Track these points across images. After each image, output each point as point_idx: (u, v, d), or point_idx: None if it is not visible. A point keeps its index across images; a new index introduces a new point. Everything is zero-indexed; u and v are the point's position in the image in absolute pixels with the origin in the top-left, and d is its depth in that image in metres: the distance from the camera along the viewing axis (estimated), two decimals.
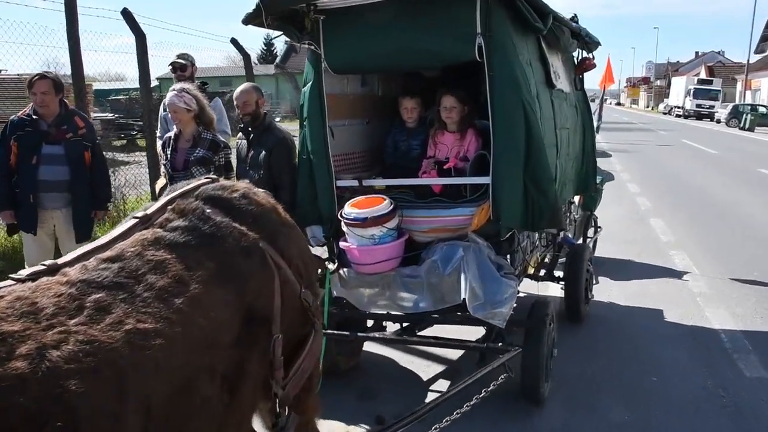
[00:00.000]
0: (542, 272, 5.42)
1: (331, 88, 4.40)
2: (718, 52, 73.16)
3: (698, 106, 45.96)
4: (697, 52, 76.54)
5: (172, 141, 5.13)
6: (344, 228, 3.83)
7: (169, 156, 5.10)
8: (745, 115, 35.74)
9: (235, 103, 4.70)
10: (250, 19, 3.86)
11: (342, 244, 3.90)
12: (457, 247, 3.65)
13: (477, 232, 3.72)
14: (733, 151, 22.37)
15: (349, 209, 3.80)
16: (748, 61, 44.89)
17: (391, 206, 3.75)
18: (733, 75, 53.29)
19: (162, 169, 5.18)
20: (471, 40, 3.56)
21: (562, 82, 4.72)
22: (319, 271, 3.99)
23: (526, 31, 3.85)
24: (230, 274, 1.74)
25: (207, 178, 2.04)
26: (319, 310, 2.26)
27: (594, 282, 6.43)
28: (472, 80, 5.10)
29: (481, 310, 3.51)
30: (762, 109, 36.98)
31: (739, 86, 48.82)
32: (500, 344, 3.56)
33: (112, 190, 8.91)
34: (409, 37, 3.73)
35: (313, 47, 3.95)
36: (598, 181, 7.32)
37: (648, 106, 75.48)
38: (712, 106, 44.77)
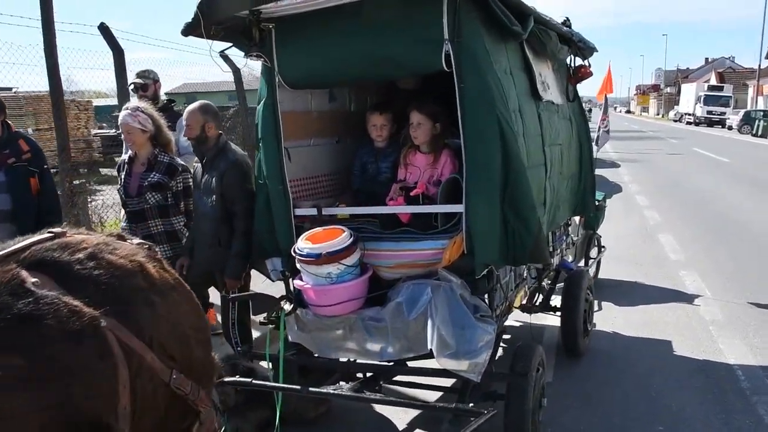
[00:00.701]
0: (538, 300, 4.91)
1: (292, 105, 3.94)
2: (728, 58, 72.32)
3: (709, 112, 45.21)
4: (706, 59, 75.72)
5: (125, 164, 4.68)
6: (298, 265, 3.33)
7: (122, 181, 4.65)
8: (757, 121, 34.95)
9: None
10: (189, 30, 3.40)
11: (297, 282, 3.41)
12: (424, 287, 3.14)
13: (450, 268, 3.22)
14: (746, 159, 21.69)
15: (303, 243, 3.31)
16: (759, 66, 44.12)
17: (350, 239, 3.26)
18: (744, 81, 52.51)
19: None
20: (437, 48, 3.07)
21: (551, 93, 4.21)
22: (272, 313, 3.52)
23: (504, 37, 3.36)
24: (46, 372, 1.26)
25: (50, 232, 1.55)
26: (207, 395, 1.76)
27: (596, 309, 5.91)
28: (452, 93, 4.64)
29: (453, 361, 3.00)
30: None
31: (750, 92, 48.04)
32: (471, 405, 3.03)
33: (89, 213, 8.56)
34: (369, 44, 3.26)
35: (263, 60, 3.48)
36: (599, 197, 6.81)
37: (658, 114, 74.72)
38: (723, 113, 44.00)
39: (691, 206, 12.12)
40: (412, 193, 3.35)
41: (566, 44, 4.33)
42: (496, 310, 3.37)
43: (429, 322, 3.02)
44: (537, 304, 4.98)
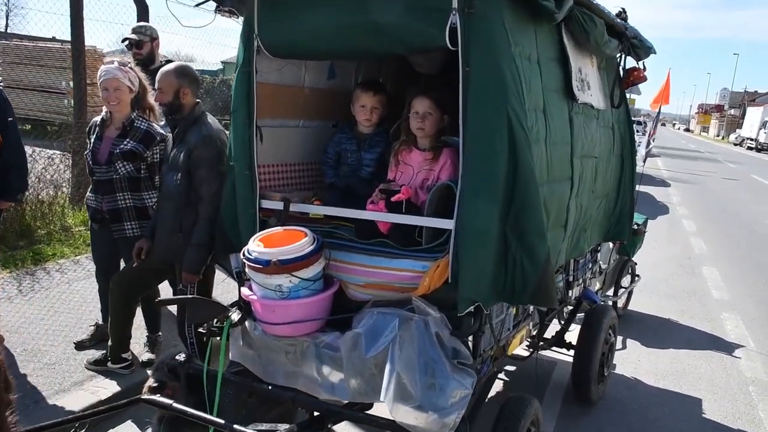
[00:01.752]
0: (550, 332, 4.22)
1: (279, 77, 3.32)
2: None
3: None
4: None
5: (97, 127, 4.15)
6: (246, 270, 2.73)
7: (91, 145, 4.13)
8: None
9: None
10: None
11: (244, 291, 2.81)
12: (391, 318, 2.50)
13: (429, 298, 2.56)
14: None
15: (254, 245, 2.70)
16: None
17: (311, 246, 2.63)
18: None
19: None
20: (441, 18, 2.40)
21: (591, 95, 3.48)
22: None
23: (534, 15, 2.66)
24: None
25: None
26: None
27: (618, 347, 5.17)
28: None
29: (413, 414, 2.35)
30: None
31: None
32: None
33: None
34: (362, 11, 2.61)
35: (234, 17, 2.87)
36: (639, 221, 6.02)
37: (718, 135, 71.68)
38: None
39: (742, 239, 11.08)
40: (393, 199, 2.69)
41: (616, 38, 3.58)
42: (482, 354, 2.70)
43: (388, 365, 2.37)
44: (548, 337, 4.30)
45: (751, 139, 47.28)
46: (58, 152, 7.92)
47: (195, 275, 3.50)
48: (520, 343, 3.44)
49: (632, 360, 5.25)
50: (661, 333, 5.99)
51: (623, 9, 3.90)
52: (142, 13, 8.08)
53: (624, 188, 4.38)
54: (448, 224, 2.54)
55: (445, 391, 2.36)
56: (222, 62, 26.44)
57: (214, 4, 2.90)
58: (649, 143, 7.47)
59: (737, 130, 57.80)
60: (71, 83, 15.30)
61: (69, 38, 8.00)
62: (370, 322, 2.51)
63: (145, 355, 4.28)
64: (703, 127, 79.63)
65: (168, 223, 3.59)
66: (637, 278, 6.45)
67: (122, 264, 4.21)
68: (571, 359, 4.33)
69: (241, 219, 3.13)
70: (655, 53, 4.27)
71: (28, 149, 7.77)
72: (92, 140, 4.13)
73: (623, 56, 3.89)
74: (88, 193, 4.22)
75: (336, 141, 3.40)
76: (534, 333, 3.71)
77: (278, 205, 3.05)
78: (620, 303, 6.23)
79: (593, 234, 4.01)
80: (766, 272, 8.62)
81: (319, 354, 2.66)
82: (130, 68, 4.02)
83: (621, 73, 4.13)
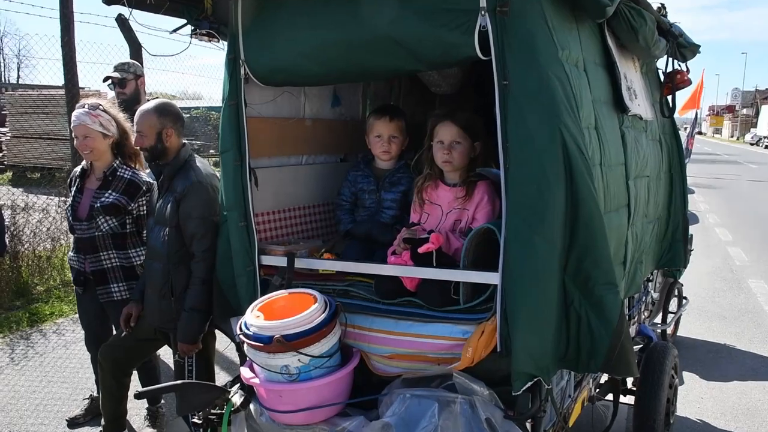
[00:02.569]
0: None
1: (273, 109, 2.86)
2: None
3: None
4: None
5: (77, 179, 3.70)
6: (245, 349, 2.22)
7: (71, 199, 3.67)
8: None
9: None
10: None
11: (244, 372, 2.29)
12: (429, 404, 1.97)
13: (473, 371, 2.04)
14: None
15: (253, 317, 2.19)
16: None
17: (323, 314, 2.12)
18: None
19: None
20: (468, 22, 1.92)
21: (639, 104, 2.97)
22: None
23: (576, 12, 2.17)
24: None
25: None
26: None
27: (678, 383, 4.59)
28: None
29: None
30: None
31: None
32: None
33: None
34: (368, 23, 2.14)
35: (215, 41, 2.40)
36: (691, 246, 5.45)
37: (732, 136, 70.64)
38: None
39: None
40: (420, 250, 2.17)
41: (665, 38, 3.07)
42: None
43: None
44: (602, 382, 3.73)
45: None
46: (55, 199, 7.55)
47: (192, 345, 3.00)
48: (582, 408, 2.88)
49: (695, 398, 4.64)
50: (720, 362, 5.37)
51: (663, 4, 3.41)
52: (135, 51, 7.74)
53: (675, 208, 3.85)
54: (492, 278, 2.02)
55: None
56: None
57: (189, 29, 2.43)
58: (688, 152, 6.91)
59: (752, 130, 56.83)
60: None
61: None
62: (402, 409, 1.98)
63: (146, 430, 3.77)
64: (716, 129, 78.63)
65: (157, 286, 3.09)
66: (685, 301, 5.85)
67: (114, 330, 3.73)
68: (627, 401, 3.75)
69: (239, 279, 2.64)
70: (700, 53, 3.76)
71: (32, 199, 7.48)
72: (72, 193, 3.67)
73: (668, 58, 3.38)
74: (70, 253, 3.75)
75: (351, 180, 2.91)
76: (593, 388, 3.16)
77: (281, 261, 2.55)
78: (669, 330, 5.64)
79: (647, 264, 3.47)
80: None
81: None
82: (102, 111, 3.56)
83: (662, 76, 3.64)
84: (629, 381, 3.78)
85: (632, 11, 2.49)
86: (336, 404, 2.16)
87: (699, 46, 3.62)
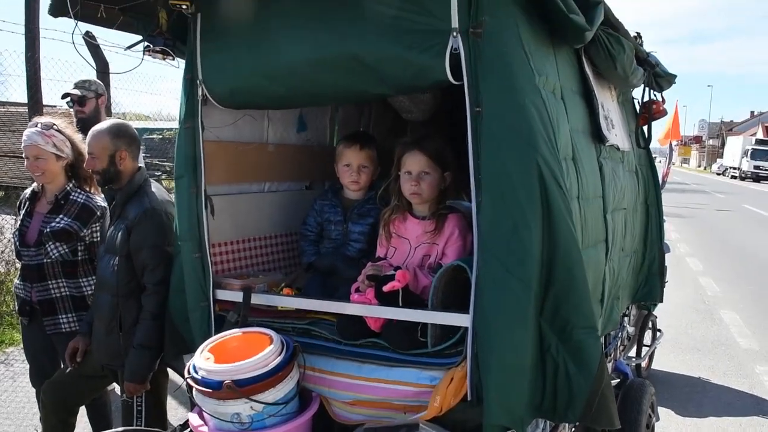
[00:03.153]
0: None
1: (233, 133, 2.70)
2: None
3: (756, 167, 42.99)
4: (752, 112, 73.23)
5: (27, 201, 3.47)
6: (194, 395, 2.02)
7: (20, 223, 3.43)
8: None
9: None
10: (57, 7, 2.19)
11: (191, 418, 2.09)
12: None
13: (442, 420, 1.86)
14: None
15: (202, 359, 2.00)
16: None
17: (278, 357, 1.94)
18: None
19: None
20: (437, 43, 1.79)
21: (617, 134, 2.88)
22: None
23: (553, 36, 2.06)
24: None
25: None
26: None
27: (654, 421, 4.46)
28: None
29: None
30: None
31: None
32: None
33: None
34: (328, 41, 2.00)
35: (171, 58, 2.24)
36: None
37: (699, 166, 72.34)
38: None
39: (754, 275, 10.47)
40: (386, 288, 2.00)
41: (642, 66, 3.00)
42: None
43: None
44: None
45: (735, 168, 47.49)
46: (11, 220, 7.23)
47: (140, 384, 2.78)
48: None
49: None
50: (695, 397, 5.26)
51: (639, 33, 3.34)
52: (103, 68, 7.53)
53: (651, 241, 3.76)
54: (463, 320, 1.87)
55: None
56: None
57: (142, 46, 2.27)
58: (663, 183, 6.89)
59: (718, 160, 58.24)
60: None
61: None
62: None
63: None
64: (684, 159, 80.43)
65: (105, 319, 2.87)
66: (659, 334, 5.76)
67: (63, 364, 3.47)
68: None
69: (192, 315, 2.45)
70: (675, 83, 3.71)
71: None
72: (21, 217, 3.44)
73: (645, 88, 3.30)
74: (15, 281, 3.51)
75: (317, 209, 2.75)
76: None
77: (238, 296, 2.37)
78: (643, 363, 5.53)
79: (624, 299, 3.35)
80: None
81: None
82: (57, 131, 3.36)
83: (637, 107, 3.57)
84: None
85: (610, 38, 2.40)
86: None
87: (675, 75, 3.57)
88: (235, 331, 2.14)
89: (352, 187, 2.67)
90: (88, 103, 4.39)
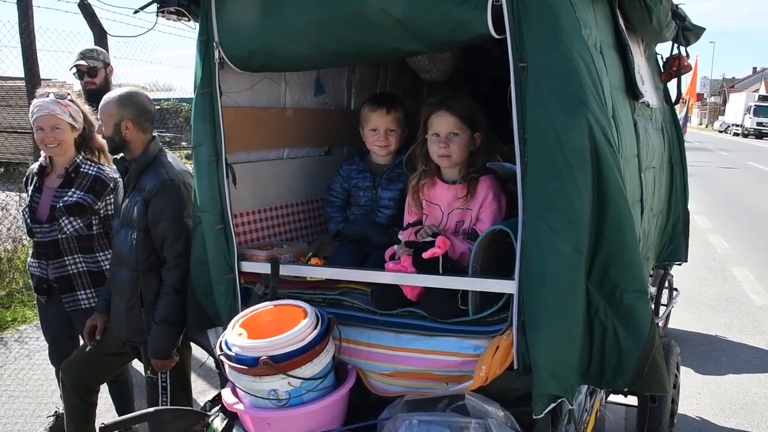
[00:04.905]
0: None
1: (250, 98, 2.59)
2: None
3: (759, 124, 42.64)
4: (755, 68, 72.31)
5: (35, 176, 3.37)
6: (227, 372, 1.96)
7: (29, 199, 3.34)
8: None
9: None
10: None
11: (226, 396, 2.03)
12: (440, 431, 1.73)
13: (487, 390, 1.81)
14: None
15: (234, 335, 1.93)
16: None
17: (314, 331, 1.87)
18: None
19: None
20: None
21: (647, 91, 2.77)
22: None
23: None
24: None
25: None
26: None
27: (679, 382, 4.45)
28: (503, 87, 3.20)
29: None
30: None
31: None
32: None
33: None
34: None
35: (184, 18, 2.12)
36: None
37: (701, 124, 71.81)
38: None
39: (762, 231, 10.43)
40: (425, 255, 1.92)
41: (675, 19, 2.86)
42: None
43: None
44: None
45: (737, 125, 47.11)
46: (15, 196, 7.14)
47: (166, 360, 2.72)
48: (595, 420, 2.68)
49: (692, 393, 4.51)
50: (713, 355, 5.26)
51: None
52: (101, 38, 7.33)
53: (676, 200, 3.68)
54: (507, 286, 1.79)
55: None
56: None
57: (155, 6, 2.14)
58: None
59: (721, 117, 57.75)
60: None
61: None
62: None
63: None
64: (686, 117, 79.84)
65: (125, 295, 2.80)
66: (676, 293, 5.72)
67: (82, 341, 3.42)
68: (622, 400, 3.58)
69: (216, 288, 2.38)
70: (701, 36, 3.57)
71: None
72: (30, 193, 3.35)
73: (673, 43, 3.17)
74: (29, 259, 3.43)
75: (344, 175, 2.64)
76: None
77: (264, 268, 2.29)
78: (661, 323, 5.51)
79: (651, 259, 3.29)
80: None
81: None
82: (71, 101, 3.25)
83: (662, 63, 3.44)
84: None
85: None
86: (332, 431, 1.91)
87: (704, 29, 3.43)
88: (267, 305, 2.06)
89: (380, 152, 2.57)
90: (98, 73, 4.24)
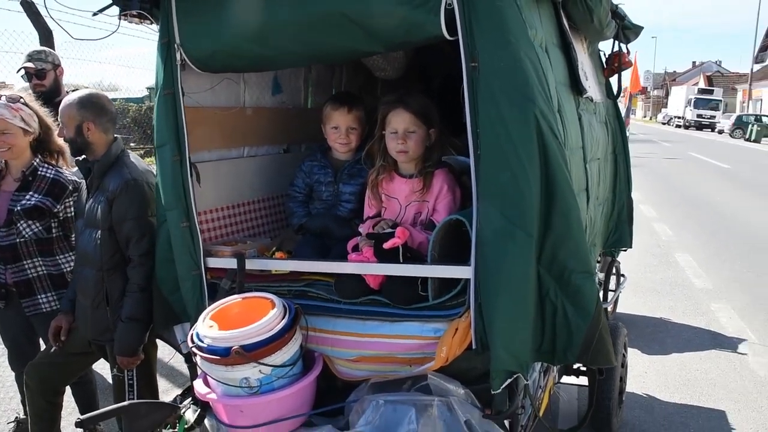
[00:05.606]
0: None
1: (211, 98, 2.64)
2: (716, 62, 71.84)
3: (699, 116, 44.45)
4: (694, 62, 75.16)
5: None
6: (199, 363, 2.02)
7: None
8: (750, 126, 34.14)
9: None
10: None
11: (198, 387, 2.09)
12: (405, 410, 1.85)
13: (447, 370, 1.93)
14: (746, 165, 20.69)
15: (205, 327, 2.00)
16: (752, 70, 43.36)
17: (283, 320, 1.96)
18: (732, 85, 51.92)
19: None
20: (433, 0, 1.78)
21: (590, 86, 2.94)
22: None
23: None
24: None
25: None
26: None
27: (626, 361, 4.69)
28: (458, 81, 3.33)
29: None
30: (767, 120, 35.42)
31: (739, 96, 47.43)
32: None
33: None
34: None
35: (146, 22, 2.17)
36: None
37: (645, 116, 74.18)
38: (713, 116, 43.30)
39: (704, 219, 10.95)
40: (386, 246, 2.03)
41: (615, 19, 3.05)
42: None
43: None
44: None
45: (679, 117, 48.90)
46: None
47: (132, 357, 2.76)
48: (549, 398, 2.84)
49: (639, 373, 4.76)
50: (658, 336, 5.55)
51: None
52: (46, 38, 7.15)
53: (620, 190, 3.89)
54: (464, 272, 1.91)
55: None
56: (147, 88, 25.57)
57: (116, 10, 2.18)
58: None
59: (663, 110, 59.82)
60: None
61: None
62: (377, 417, 1.85)
63: None
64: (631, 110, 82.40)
65: (90, 294, 2.82)
66: (623, 279, 5.99)
67: (43, 345, 3.40)
68: (573, 381, 3.79)
69: (183, 284, 2.43)
70: (640, 34, 3.78)
71: None
72: None
73: (614, 40, 3.36)
74: None
75: (306, 171, 2.72)
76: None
77: (230, 263, 2.36)
78: (609, 308, 5.77)
79: (597, 246, 3.47)
80: (738, 253, 8.40)
81: None
82: (23, 104, 3.22)
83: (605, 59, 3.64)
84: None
85: None
86: (301, 415, 2.01)
87: (642, 27, 3.64)
88: (235, 298, 2.14)
89: (341, 149, 2.66)
90: (47, 75, 4.19)
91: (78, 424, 2.02)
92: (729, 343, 5.32)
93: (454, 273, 1.96)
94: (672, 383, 4.60)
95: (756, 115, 37.12)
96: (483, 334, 1.90)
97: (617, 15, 3.13)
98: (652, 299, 6.50)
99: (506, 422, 1.99)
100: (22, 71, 4.23)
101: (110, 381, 3.12)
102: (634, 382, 4.57)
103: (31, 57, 4.23)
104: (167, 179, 2.39)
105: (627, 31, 3.45)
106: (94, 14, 2.35)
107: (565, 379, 3.86)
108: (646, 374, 4.77)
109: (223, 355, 1.89)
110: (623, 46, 3.72)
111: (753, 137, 32.96)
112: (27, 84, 4.30)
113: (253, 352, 1.87)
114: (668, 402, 4.34)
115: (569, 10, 2.52)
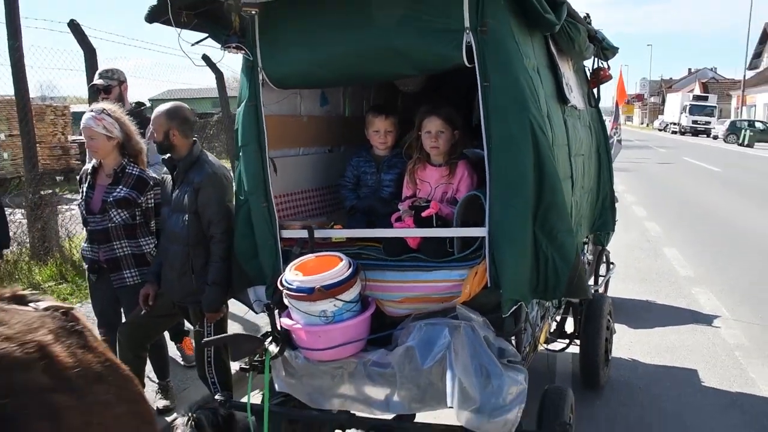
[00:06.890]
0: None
1: (279, 108, 3.39)
2: (711, 69, 72.78)
3: (694, 122, 45.31)
4: (690, 69, 76.15)
5: (88, 176, 4.08)
6: (286, 301, 2.77)
7: (84, 194, 4.05)
8: (743, 131, 34.98)
9: None
10: (154, 15, 2.85)
11: (284, 321, 2.84)
12: (441, 329, 2.59)
13: (469, 304, 2.67)
14: (737, 169, 21.47)
15: (292, 275, 2.74)
16: (744, 76, 44.29)
17: (349, 270, 2.70)
18: (727, 91, 52.82)
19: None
20: (456, 38, 2.54)
21: (575, 97, 3.70)
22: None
23: (531, 27, 2.83)
24: None
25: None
26: None
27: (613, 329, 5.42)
28: (464, 94, 4.12)
29: (477, 419, 2.45)
30: (760, 125, 36.25)
31: (734, 102, 48.32)
32: None
33: (57, 226, 7.87)
34: (371, 36, 2.72)
35: (244, 53, 2.92)
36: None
37: (642, 123, 75.06)
38: (708, 122, 44.17)
39: (691, 217, 11.72)
40: (423, 214, 2.79)
41: (592, 42, 3.82)
42: (524, 351, 2.83)
43: (448, 372, 2.46)
44: (551, 331, 4.47)
45: (675, 124, 49.77)
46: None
47: (217, 313, 3.50)
48: (545, 338, 3.58)
49: (626, 343, 5.49)
50: (644, 314, 6.28)
51: (588, 14, 4.15)
52: (90, 56, 7.91)
53: (603, 181, 4.63)
54: (480, 232, 2.66)
55: (502, 389, 2.47)
56: (150, 100, 26.21)
57: (214, 42, 2.94)
58: (612, 136, 7.81)
59: (660, 117, 60.70)
60: (2, 135, 14.66)
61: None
62: (421, 334, 2.59)
63: (159, 402, 4.20)
64: (628, 117, 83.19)
65: (177, 266, 3.56)
66: (612, 266, 6.73)
67: (124, 314, 4.13)
68: (568, 350, 4.53)
69: (262, 251, 3.16)
70: (618, 52, 4.55)
71: None
72: (84, 189, 4.06)
73: (594, 59, 4.13)
74: (83, 244, 4.13)
75: (354, 164, 3.48)
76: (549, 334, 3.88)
77: (298, 234, 3.10)
78: (600, 291, 6.49)
79: (584, 228, 4.21)
80: (719, 246, 9.15)
81: (368, 373, 2.72)
82: (107, 114, 3.96)
83: (588, 74, 4.41)
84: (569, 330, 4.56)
85: (570, 25, 3.20)
86: (362, 339, 2.74)
87: (617, 48, 4.41)
88: (310, 256, 2.87)
89: (381, 147, 3.42)
90: (112, 90, 4.93)
91: (205, 343, 2.75)
92: (705, 319, 6.06)
93: (473, 233, 2.70)
94: (654, 350, 5.34)
95: (749, 121, 37.94)
96: (495, 276, 2.63)
97: (596, 39, 3.90)
98: (639, 286, 7.24)
99: (513, 341, 2.73)
100: (94, 87, 4.98)
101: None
102: (621, 351, 5.30)
103: (100, 75, 4.97)
104: (250, 170, 3.12)
105: (605, 51, 4.22)
106: (193, 44, 3.11)
107: (560, 346, 4.59)
108: (632, 344, 5.50)
109: (309, 293, 2.63)
110: (603, 63, 4.51)
111: (746, 142, 33.77)
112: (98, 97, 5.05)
113: (330, 290, 2.61)
114: (650, 364, 5.07)
115: (556, 38, 3.28)
